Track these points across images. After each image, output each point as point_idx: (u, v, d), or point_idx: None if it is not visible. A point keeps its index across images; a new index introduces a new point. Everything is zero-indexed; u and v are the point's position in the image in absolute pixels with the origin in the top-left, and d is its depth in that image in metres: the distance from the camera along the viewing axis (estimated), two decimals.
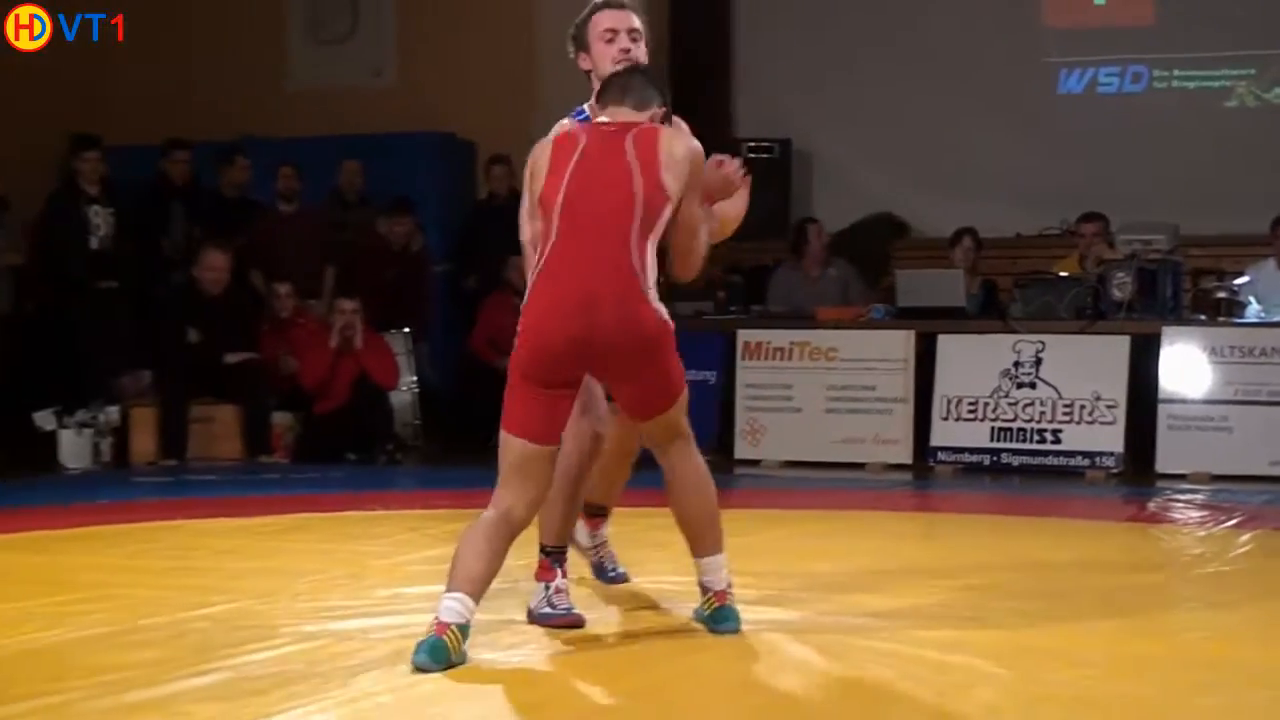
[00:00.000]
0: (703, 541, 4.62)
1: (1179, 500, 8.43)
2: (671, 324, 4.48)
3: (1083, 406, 9.61)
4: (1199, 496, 8.56)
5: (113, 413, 10.45)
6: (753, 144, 12.82)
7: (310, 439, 10.75)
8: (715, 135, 13.38)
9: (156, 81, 13.53)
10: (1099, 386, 9.60)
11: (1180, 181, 11.74)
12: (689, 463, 4.60)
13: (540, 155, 4.60)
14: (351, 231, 12.07)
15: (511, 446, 4.45)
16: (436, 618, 4.22)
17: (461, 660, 4.20)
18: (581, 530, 5.38)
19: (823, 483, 9.25)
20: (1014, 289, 10.38)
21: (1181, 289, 10.13)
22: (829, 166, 13.02)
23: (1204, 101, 12.39)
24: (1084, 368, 9.65)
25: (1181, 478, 9.28)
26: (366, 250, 11.91)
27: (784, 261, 11.55)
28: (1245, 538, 6.83)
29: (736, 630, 4.56)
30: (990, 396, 9.82)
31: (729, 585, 4.63)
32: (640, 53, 4.92)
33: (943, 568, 6.03)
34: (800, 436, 10.14)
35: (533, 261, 4.57)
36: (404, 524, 7.31)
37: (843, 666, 4.24)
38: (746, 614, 4.68)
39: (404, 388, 11.39)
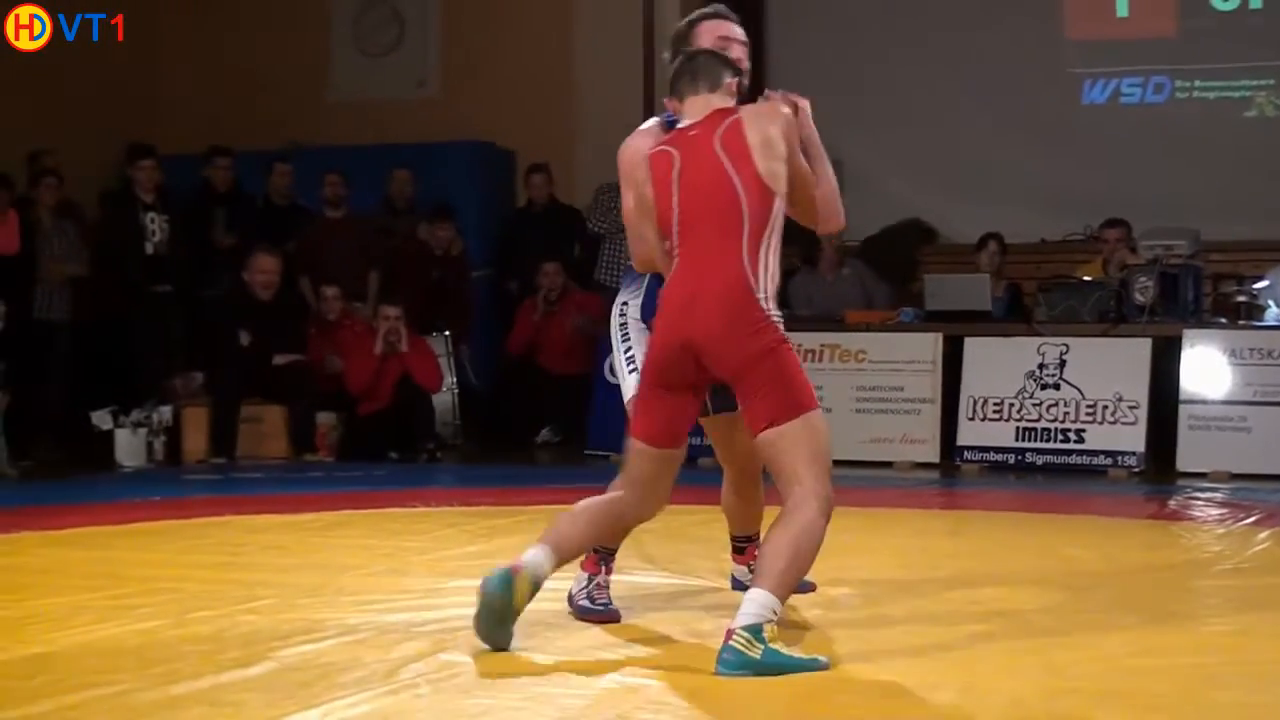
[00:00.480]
0: (762, 575, 4.23)
1: (1199, 498, 8.50)
2: (783, 333, 4.37)
3: (1105, 407, 9.74)
4: (1218, 495, 8.63)
5: (166, 413, 10.61)
6: None
7: (354, 438, 10.92)
8: None
9: (207, 92, 13.78)
10: (1121, 388, 9.73)
11: (1201, 189, 11.80)
12: (797, 511, 4.28)
13: (637, 167, 4.66)
14: (398, 237, 12.29)
15: (631, 450, 4.56)
16: (518, 558, 4.36)
17: (521, 605, 4.31)
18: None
19: (852, 481, 9.07)
20: (1038, 293, 10.47)
21: (1202, 293, 10.26)
22: (857, 173, 13.06)
23: (1224, 111, 12.44)
24: (1107, 369, 9.78)
25: (1201, 476, 9.39)
26: (409, 255, 12.11)
27: (800, 269, 11.66)
28: (1263, 535, 6.88)
29: (720, 672, 4.10)
30: (1015, 397, 9.97)
31: (755, 624, 4.14)
32: (746, 64, 4.85)
33: (969, 563, 6.10)
34: (830, 435, 10.27)
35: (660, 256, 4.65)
36: (444, 520, 7.36)
37: (870, 658, 4.31)
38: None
39: (444, 389, 11.58)
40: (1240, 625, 4.89)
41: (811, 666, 4.19)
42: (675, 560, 6.11)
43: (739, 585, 5.25)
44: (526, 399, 11.69)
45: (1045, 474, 9.79)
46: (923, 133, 12.81)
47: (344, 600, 5.21)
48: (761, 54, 13.68)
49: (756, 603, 4.16)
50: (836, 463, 10.27)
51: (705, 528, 7.01)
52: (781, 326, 4.40)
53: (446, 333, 11.86)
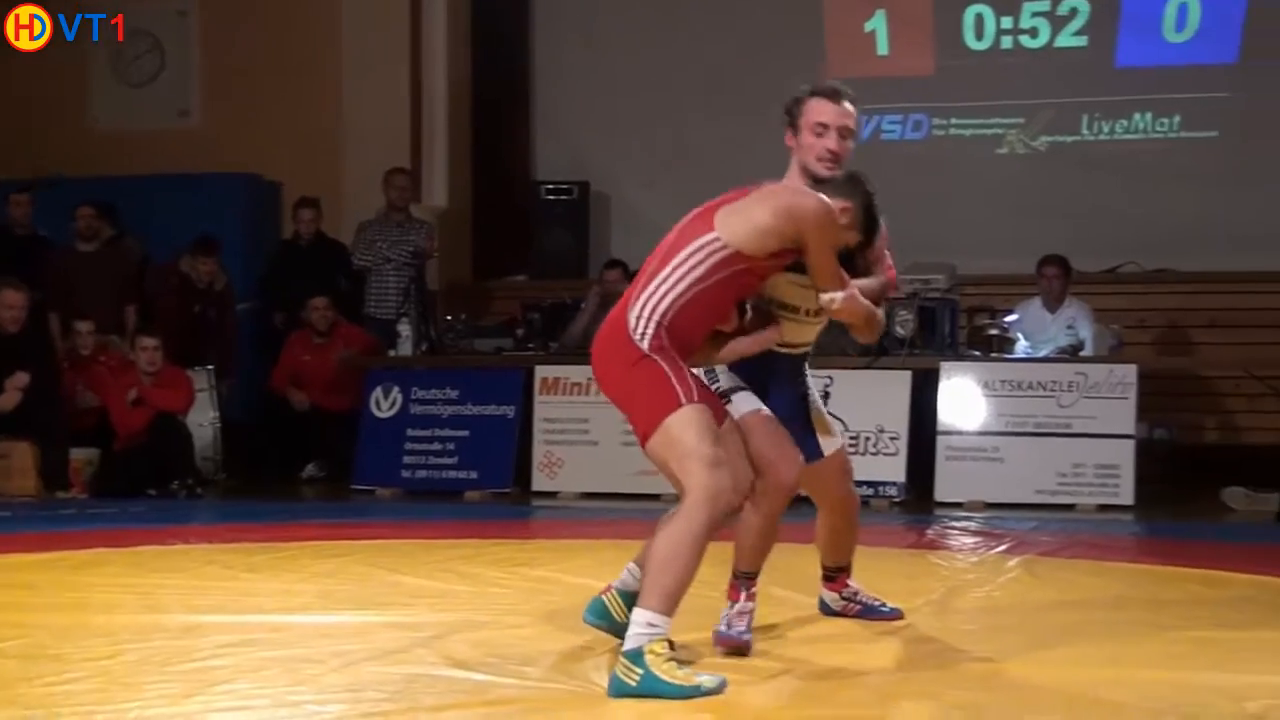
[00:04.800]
0: (644, 591, 4.35)
1: (955, 528, 8.70)
2: (642, 354, 4.44)
3: (868, 438, 9.90)
4: (973, 524, 8.85)
5: None
6: (551, 186, 13.09)
7: (109, 475, 10.66)
8: (515, 178, 13.68)
9: None
10: (883, 419, 9.91)
11: (957, 223, 12.14)
12: (679, 523, 4.33)
13: None
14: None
15: None
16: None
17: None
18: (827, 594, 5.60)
19: (619, 513, 9.32)
20: None
21: (958, 326, 10.51)
22: (626, 207, 13.28)
23: (978, 148, 12.88)
24: (869, 401, 9.93)
25: (958, 506, 9.64)
26: (170, 288, 11.90)
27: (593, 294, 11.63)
28: (1013, 563, 7.12)
29: (610, 694, 4.25)
30: None
31: (634, 649, 4.26)
32: (847, 150, 4.92)
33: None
34: (597, 469, 10.29)
35: None
36: (203, 557, 7.24)
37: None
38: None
39: (205, 423, 11.38)
40: (993, 651, 5.00)
41: (692, 694, 4.19)
42: (441, 597, 6.10)
43: (827, 609, 5.58)
44: (291, 433, 11.52)
45: (811, 505, 9.88)
46: (690, 166, 12.91)
47: (96, 641, 5.07)
48: (529, 93, 13.80)
49: (637, 624, 4.28)
50: (605, 495, 10.37)
51: (468, 563, 6.99)
52: (644, 342, 4.46)
53: (209, 366, 11.63)
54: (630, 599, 4.67)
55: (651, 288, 4.53)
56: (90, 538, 8.03)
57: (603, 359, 4.58)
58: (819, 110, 4.93)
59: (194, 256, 11.91)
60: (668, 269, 4.53)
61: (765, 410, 4.87)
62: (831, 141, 4.91)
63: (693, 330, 4.56)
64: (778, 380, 5.03)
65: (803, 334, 5.02)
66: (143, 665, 4.66)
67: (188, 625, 5.37)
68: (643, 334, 4.47)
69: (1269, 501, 9.67)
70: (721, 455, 4.39)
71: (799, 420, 5.10)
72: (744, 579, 4.99)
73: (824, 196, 4.65)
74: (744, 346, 4.84)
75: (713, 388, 4.83)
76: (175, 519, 9.28)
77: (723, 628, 4.90)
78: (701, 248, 4.52)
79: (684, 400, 4.39)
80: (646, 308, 4.50)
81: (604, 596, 4.92)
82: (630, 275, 11.08)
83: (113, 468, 10.70)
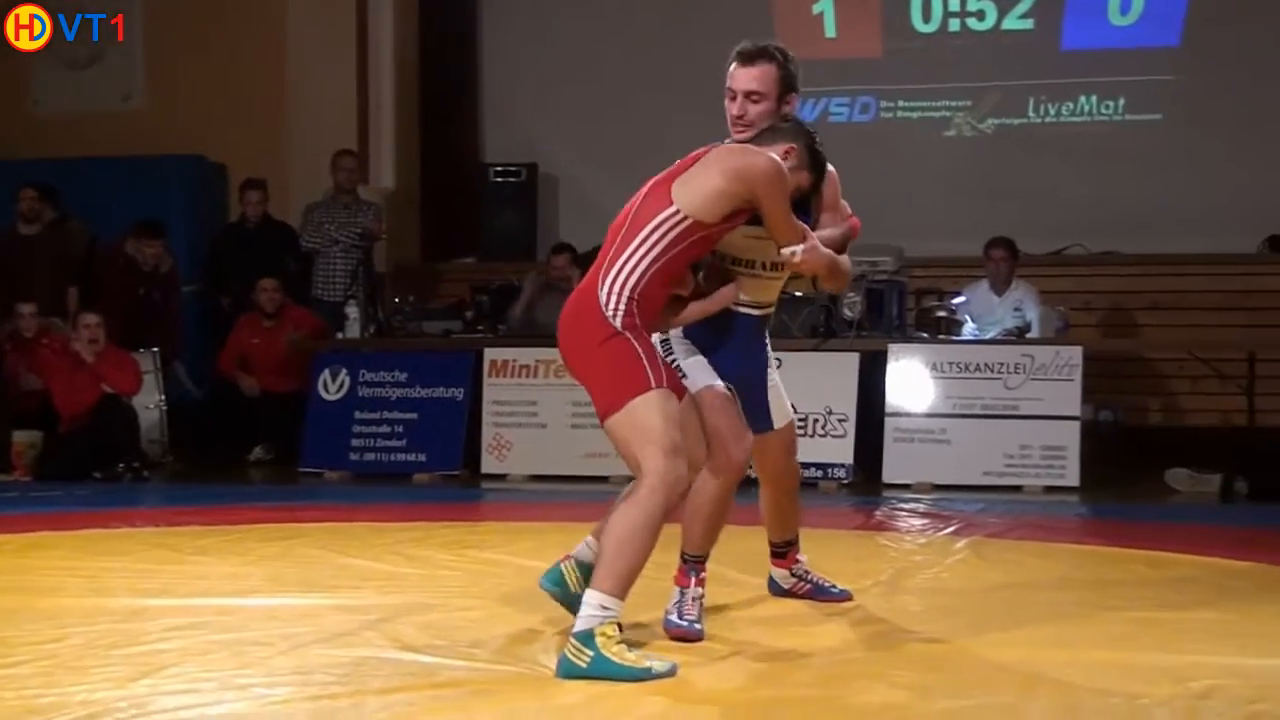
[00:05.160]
0: (596, 574, 4.37)
1: (903, 509, 8.73)
2: (615, 331, 4.44)
3: (816, 420, 9.92)
4: (921, 506, 8.88)
5: None
6: (499, 168, 13.06)
7: (54, 457, 10.56)
8: (463, 160, 13.64)
9: None
10: (831, 401, 9.93)
11: (904, 206, 12.09)
12: (634, 507, 4.35)
13: None
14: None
15: None
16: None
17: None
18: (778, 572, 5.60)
19: (568, 496, 9.31)
20: None
21: (905, 308, 10.54)
22: (575, 189, 13.27)
23: (926, 131, 12.94)
24: (817, 384, 9.91)
25: (906, 488, 9.67)
26: (116, 270, 11.81)
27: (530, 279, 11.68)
28: (961, 544, 7.17)
29: (558, 675, 4.27)
30: None
31: (585, 630, 4.28)
32: (755, 113, 4.82)
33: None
34: (546, 451, 10.28)
35: None
36: (149, 540, 7.20)
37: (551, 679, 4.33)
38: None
39: (151, 405, 11.31)
40: (942, 632, 5.04)
41: (642, 676, 4.22)
42: (389, 579, 6.07)
43: (777, 588, 5.59)
44: (238, 416, 11.45)
45: (759, 486, 9.89)
46: (637, 148, 12.72)
47: (41, 624, 5.04)
48: (477, 75, 13.76)
49: (589, 605, 4.29)
50: (554, 478, 10.34)
51: (417, 545, 6.98)
52: (614, 319, 4.45)
53: (155, 349, 11.55)
54: (587, 570, 4.69)
55: (620, 263, 4.52)
56: (34, 521, 7.98)
57: (570, 331, 4.57)
58: (729, 76, 4.92)
59: (139, 239, 11.83)
60: (634, 243, 4.52)
61: (720, 385, 4.87)
62: (735, 107, 4.88)
63: (657, 300, 4.59)
64: (738, 343, 5.00)
65: (763, 291, 4.99)
66: (89, 649, 4.65)
67: (134, 608, 5.35)
68: (615, 310, 4.47)
69: (1211, 483, 9.75)
70: (680, 443, 4.41)
71: (756, 389, 5.08)
72: (693, 563, 4.97)
73: (772, 155, 4.64)
74: (703, 307, 4.82)
75: (668, 359, 4.81)
76: (121, 502, 9.21)
77: (673, 616, 4.88)
78: (664, 221, 4.52)
79: (654, 383, 4.41)
80: (617, 283, 4.50)
81: (562, 564, 4.92)
82: (578, 259, 11.23)
83: (57, 450, 10.59)
